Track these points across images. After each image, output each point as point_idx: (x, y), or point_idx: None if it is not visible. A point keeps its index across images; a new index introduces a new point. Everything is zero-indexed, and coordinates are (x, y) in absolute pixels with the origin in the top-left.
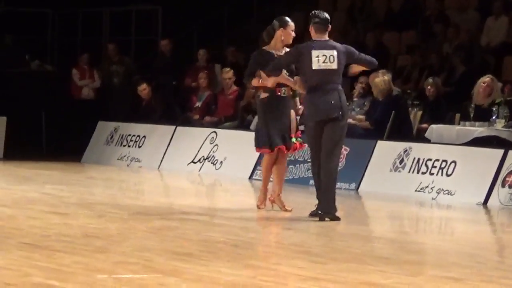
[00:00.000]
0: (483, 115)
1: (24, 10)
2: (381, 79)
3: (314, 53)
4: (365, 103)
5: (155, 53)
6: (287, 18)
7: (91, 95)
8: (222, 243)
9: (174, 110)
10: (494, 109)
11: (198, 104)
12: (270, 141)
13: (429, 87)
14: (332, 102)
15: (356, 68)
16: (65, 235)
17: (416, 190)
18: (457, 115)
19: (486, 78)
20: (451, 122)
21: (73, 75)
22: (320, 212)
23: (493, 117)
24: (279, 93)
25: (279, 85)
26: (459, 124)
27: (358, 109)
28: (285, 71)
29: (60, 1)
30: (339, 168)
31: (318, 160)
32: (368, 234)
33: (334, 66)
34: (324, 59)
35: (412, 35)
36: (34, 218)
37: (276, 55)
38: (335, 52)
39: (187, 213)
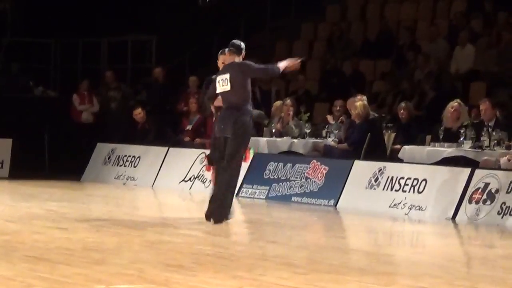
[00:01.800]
0: (451, 136)
1: (29, 40)
2: (362, 103)
3: (217, 78)
4: (341, 125)
5: (150, 80)
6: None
7: (90, 118)
8: (211, 256)
9: (167, 133)
10: (462, 131)
11: (189, 127)
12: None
13: (401, 111)
14: (223, 124)
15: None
16: (66, 248)
17: (390, 206)
18: (428, 137)
19: (454, 103)
20: (422, 143)
21: (73, 100)
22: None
23: (461, 139)
24: None
25: None
26: (429, 145)
27: (336, 131)
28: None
29: (62, 31)
30: (319, 186)
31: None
32: (346, 247)
33: (228, 87)
34: (222, 83)
35: (386, 63)
36: (37, 233)
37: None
38: (227, 75)
39: (179, 228)
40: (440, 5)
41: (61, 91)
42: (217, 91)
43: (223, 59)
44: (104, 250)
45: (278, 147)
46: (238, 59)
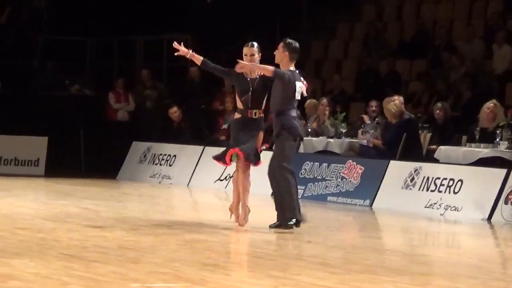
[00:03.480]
0: (487, 137)
1: (64, 38)
2: (393, 104)
3: (297, 84)
4: (377, 126)
5: (185, 79)
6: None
7: (126, 117)
8: (246, 255)
9: (203, 132)
10: (498, 131)
11: (225, 126)
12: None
13: (437, 111)
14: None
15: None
16: (102, 246)
17: (425, 207)
18: (464, 137)
19: (490, 104)
20: (458, 143)
21: (109, 99)
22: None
23: (497, 139)
24: (250, 116)
25: (251, 107)
26: (465, 145)
27: (372, 131)
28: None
29: (97, 30)
30: (355, 186)
31: None
32: (381, 247)
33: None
34: (299, 90)
35: (422, 63)
36: (73, 231)
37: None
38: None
39: (214, 227)
40: (477, 5)
41: (96, 90)
42: (297, 97)
43: (249, 51)
44: (139, 249)
45: (314, 146)
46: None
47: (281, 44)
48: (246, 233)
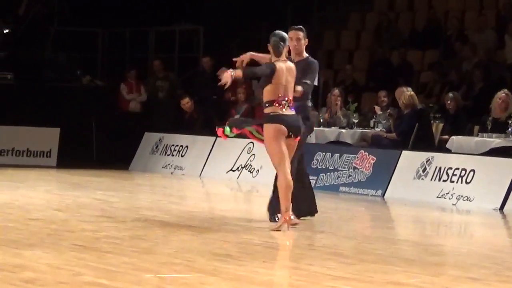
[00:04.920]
0: (500, 127)
1: (76, 29)
2: (409, 93)
3: None
4: (389, 117)
5: (197, 69)
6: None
7: (138, 108)
8: (259, 245)
9: (215, 122)
10: (510, 121)
11: (237, 116)
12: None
13: (449, 102)
14: None
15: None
16: (114, 237)
17: (437, 197)
18: (476, 127)
19: (502, 94)
20: (470, 133)
21: (121, 90)
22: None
23: (509, 129)
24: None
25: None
26: (477, 135)
27: (384, 121)
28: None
29: (109, 20)
30: (367, 176)
31: None
32: (393, 237)
33: None
34: None
35: (434, 53)
36: (85, 222)
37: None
38: None
39: (227, 218)
40: None
41: (108, 80)
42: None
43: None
44: (152, 240)
45: (326, 137)
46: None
47: (302, 34)
48: (258, 223)
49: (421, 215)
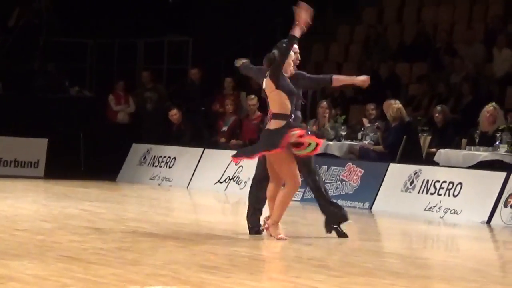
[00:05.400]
0: (487, 140)
1: (65, 40)
2: (397, 106)
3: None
4: (377, 130)
5: (186, 81)
6: None
7: (126, 119)
8: (246, 257)
9: (202, 134)
10: (498, 135)
11: (225, 128)
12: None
13: (437, 114)
14: None
15: None
16: (101, 248)
17: (425, 210)
18: (464, 140)
19: (490, 107)
20: (457, 146)
21: (109, 101)
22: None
23: (497, 143)
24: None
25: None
26: (465, 148)
27: (372, 134)
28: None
29: (98, 31)
30: (354, 189)
31: None
32: (380, 250)
33: None
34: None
35: (422, 66)
36: (72, 233)
37: None
38: None
39: (214, 229)
40: (477, 8)
41: (97, 91)
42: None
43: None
44: (139, 251)
45: None
46: None
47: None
48: (245, 235)
49: (408, 228)
